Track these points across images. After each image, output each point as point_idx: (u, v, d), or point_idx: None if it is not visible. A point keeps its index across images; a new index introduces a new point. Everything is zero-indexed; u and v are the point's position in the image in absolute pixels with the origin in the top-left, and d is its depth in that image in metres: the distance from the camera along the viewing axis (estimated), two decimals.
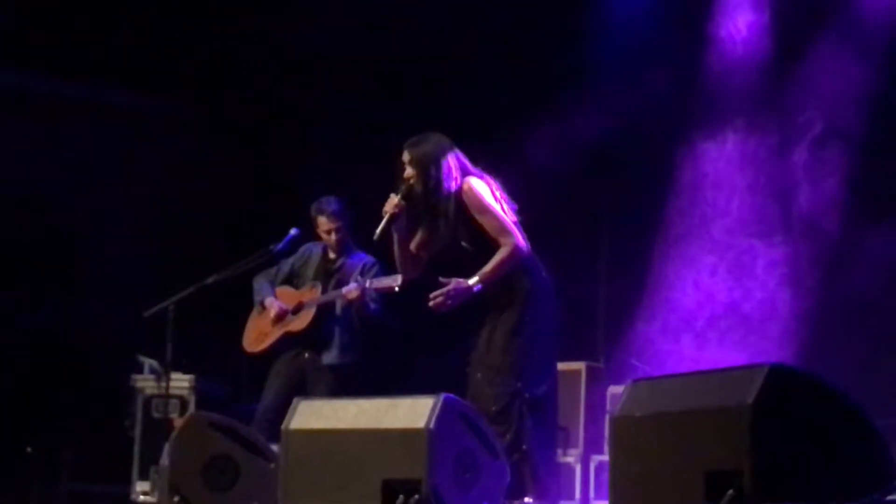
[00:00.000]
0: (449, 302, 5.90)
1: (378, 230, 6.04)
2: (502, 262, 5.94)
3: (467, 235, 6.00)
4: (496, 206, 6.01)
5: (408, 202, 6.05)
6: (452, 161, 6.04)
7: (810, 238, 8.72)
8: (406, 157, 6.08)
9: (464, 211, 6.00)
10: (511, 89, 9.58)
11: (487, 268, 5.92)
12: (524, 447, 5.83)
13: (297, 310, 7.95)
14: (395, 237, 6.11)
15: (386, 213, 6.02)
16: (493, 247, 5.97)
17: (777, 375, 4.42)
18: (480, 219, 5.98)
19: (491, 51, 9.63)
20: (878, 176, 8.45)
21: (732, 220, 9.14)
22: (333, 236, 7.96)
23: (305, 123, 10.42)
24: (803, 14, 8.79)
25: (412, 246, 6.16)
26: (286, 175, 10.16)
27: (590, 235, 9.85)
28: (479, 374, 5.97)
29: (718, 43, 9.23)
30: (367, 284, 7.64)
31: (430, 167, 6.02)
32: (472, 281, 5.91)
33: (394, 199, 6.02)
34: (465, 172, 6.05)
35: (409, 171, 6.05)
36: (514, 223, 6.05)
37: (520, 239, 5.98)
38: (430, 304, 5.92)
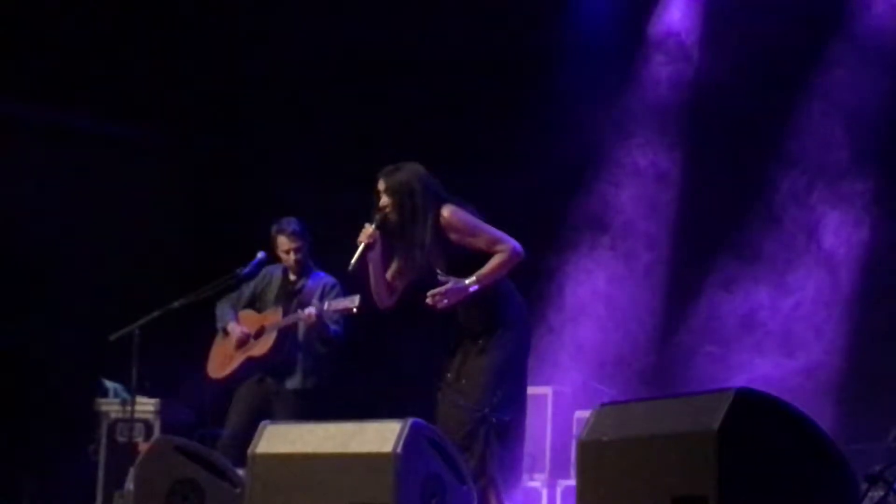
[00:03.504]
0: (445, 301, 5.89)
1: (353, 261, 5.98)
2: (501, 265, 5.95)
3: (443, 264, 5.99)
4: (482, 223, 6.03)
5: (383, 231, 6.03)
6: (428, 189, 6.03)
7: (776, 255, 8.75)
8: (381, 185, 6.06)
9: (442, 238, 5.99)
10: (472, 115, 9.61)
11: (485, 269, 5.93)
12: (490, 472, 5.83)
13: (259, 334, 7.94)
14: (371, 267, 6.06)
15: (360, 244, 5.99)
16: (468, 275, 5.97)
17: (743, 400, 4.43)
18: (472, 239, 5.98)
19: (452, 76, 9.66)
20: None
21: (688, 240, 9.18)
22: (293, 256, 7.96)
23: (270, 147, 10.40)
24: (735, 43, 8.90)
25: (388, 275, 6.14)
26: (251, 198, 10.14)
27: (553, 257, 9.85)
28: (448, 399, 5.97)
29: (680, 63, 9.30)
30: (326, 306, 7.64)
31: (405, 196, 6.00)
32: (469, 281, 5.91)
33: (368, 229, 6.00)
34: (439, 200, 6.05)
35: (384, 200, 6.04)
36: None
37: (516, 242, 5.99)
38: (428, 300, 5.90)
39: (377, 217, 6.03)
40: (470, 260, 5.98)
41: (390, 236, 6.06)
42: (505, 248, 5.97)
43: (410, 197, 6.00)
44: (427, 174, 6.08)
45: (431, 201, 6.01)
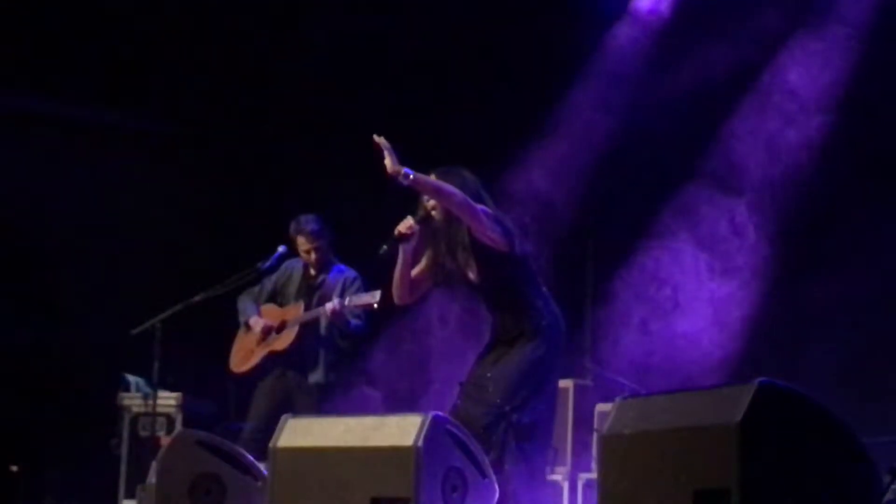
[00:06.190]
0: (386, 150, 5.78)
1: (385, 246, 5.93)
2: (445, 187, 5.86)
3: (473, 265, 6.01)
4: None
5: (423, 228, 6.01)
6: (475, 196, 5.99)
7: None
8: None
9: (476, 243, 5.97)
10: (495, 114, 9.61)
11: (431, 178, 5.91)
12: (507, 468, 5.82)
13: (281, 328, 7.95)
14: (400, 258, 6.03)
15: (397, 233, 5.94)
16: (500, 282, 6.01)
17: (765, 393, 4.42)
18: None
19: (474, 75, 9.65)
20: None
21: (715, 236, 9.17)
22: (313, 255, 7.95)
23: (290, 140, 10.42)
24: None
25: (413, 272, 6.12)
26: (272, 192, 10.16)
27: (576, 251, 9.85)
28: (471, 395, 5.98)
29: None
30: (347, 301, 7.65)
31: None
32: (407, 169, 5.78)
33: (409, 221, 5.95)
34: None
35: (432, 201, 6.01)
36: (527, 255, 6.12)
37: (476, 206, 5.88)
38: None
39: (420, 213, 6.00)
40: (502, 260, 5.99)
41: (429, 235, 6.05)
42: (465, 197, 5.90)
43: None
44: (476, 180, 6.08)
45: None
